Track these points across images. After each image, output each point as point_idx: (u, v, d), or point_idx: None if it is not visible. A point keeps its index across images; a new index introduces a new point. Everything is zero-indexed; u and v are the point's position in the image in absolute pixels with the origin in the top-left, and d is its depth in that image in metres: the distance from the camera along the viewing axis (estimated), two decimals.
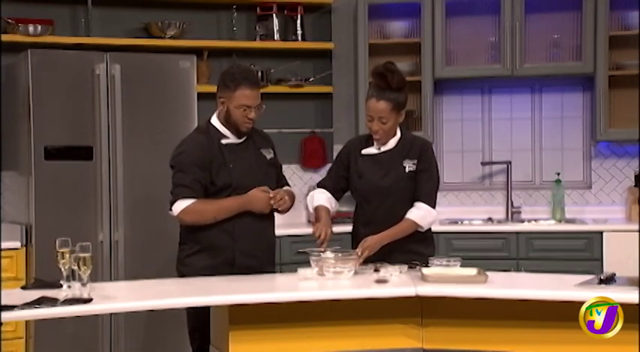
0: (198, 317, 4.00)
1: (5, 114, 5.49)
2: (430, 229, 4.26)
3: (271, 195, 4.04)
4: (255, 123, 4.14)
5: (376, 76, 4.11)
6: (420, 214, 4.12)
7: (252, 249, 4.05)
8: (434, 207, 4.16)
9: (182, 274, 4.09)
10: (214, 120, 4.12)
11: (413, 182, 4.15)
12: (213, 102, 5.98)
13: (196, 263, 4.04)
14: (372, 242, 4.02)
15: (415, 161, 4.16)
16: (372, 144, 4.22)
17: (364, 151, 4.22)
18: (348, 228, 4.34)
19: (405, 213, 4.13)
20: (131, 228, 5.41)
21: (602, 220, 6.07)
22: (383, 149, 4.20)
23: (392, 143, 4.19)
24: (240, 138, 4.09)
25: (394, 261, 3.95)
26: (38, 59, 5.25)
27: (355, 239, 4.25)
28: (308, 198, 4.33)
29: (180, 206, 3.97)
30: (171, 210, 4.01)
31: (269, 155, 4.19)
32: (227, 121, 4.05)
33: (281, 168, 4.33)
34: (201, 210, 3.98)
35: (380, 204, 4.16)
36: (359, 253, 3.97)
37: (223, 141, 4.06)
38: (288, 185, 4.35)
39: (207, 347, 4.00)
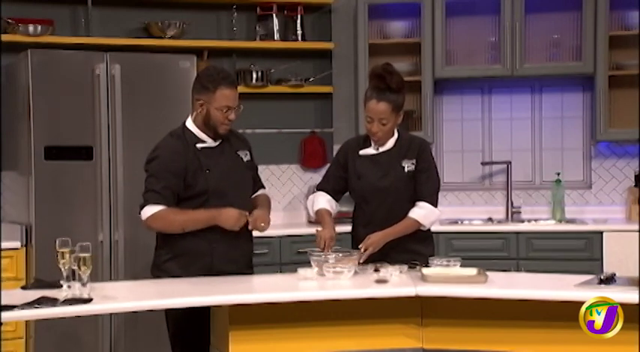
0: (179, 323, 3.97)
1: (5, 114, 5.50)
2: (430, 229, 4.27)
3: (249, 219, 3.99)
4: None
5: (375, 78, 4.11)
6: (422, 213, 4.13)
7: (230, 253, 4.01)
8: (436, 205, 4.17)
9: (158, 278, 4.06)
10: (189, 124, 4.05)
11: (412, 182, 4.16)
12: None
13: (173, 269, 4.00)
14: (376, 238, 4.03)
15: (414, 161, 4.16)
16: (370, 145, 4.22)
17: (362, 152, 4.22)
18: (348, 227, 4.34)
19: (404, 213, 4.13)
20: (131, 228, 5.40)
21: (602, 220, 6.07)
22: (381, 149, 4.20)
23: (390, 143, 4.20)
24: (216, 141, 4.04)
25: (394, 261, 3.95)
26: (38, 59, 5.25)
27: (355, 239, 4.25)
28: (308, 203, 4.31)
29: (148, 212, 3.94)
30: (140, 214, 3.98)
31: (246, 157, 4.13)
32: (205, 124, 3.99)
33: (257, 169, 4.27)
34: (170, 218, 3.93)
35: (379, 205, 4.16)
36: (362, 249, 3.97)
37: (199, 146, 4.00)
38: (264, 187, 4.32)
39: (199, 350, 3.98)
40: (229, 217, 3.91)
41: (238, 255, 4.06)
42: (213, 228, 3.95)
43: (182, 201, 3.98)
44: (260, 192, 4.27)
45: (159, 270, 4.06)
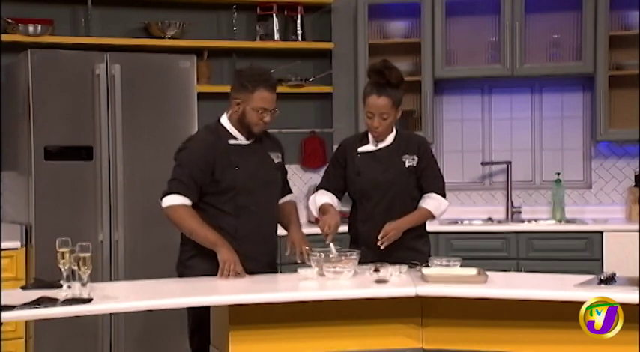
0: (199, 318, 4.00)
1: (5, 114, 5.49)
2: (425, 227, 4.28)
3: (288, 245, 4.08)
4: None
5: (374, 73, 4.12)
6: (434, 204, 4.20)
7: (254, 252, 4.02)
8: (445, 197, 4.23)
9: (183, 276, 4.08)
10: (224, 120, 4.08)
11: (412, 177, 4.19)
12: (212, 103, 6.01)
13: (198, 266, 4.01)
14: (396, 225, 4.07)
15: (414, 157, 4.18)
16: (368, 142, 4.23)
17: (361, 149, 4.24)
18: (345, 227, 4.33)
19: (404, 209, 4.17)
20: (131, 228, 5.41)
21: (602, 220, 6.07)
22: (380, 145, 4.22)
23: (389, 139, 4.22)
24: (249, 139, 4.07)
25: (393, 258, 3.97)
26: (38, 59, 5.25)
27: (354, 237, 4.25)
28: (310, 203, 4.30)
29: (170, 200, 3.95)
30: (161, 200, 3.99)
31: (277, 159, 4.16)
32: (240, 122, 4.01)
33: (286, 173, 4.30)
34: (184, 219, 3.94)
35: (380, 200, 4.18)
36: (381, 235, 4.01)
37: (231, 142, 4.03)
38: (291, 191, 4.34)
39: (206, 347, 3.99)
40: (227, 254, 3.89)
41: (260, 253, 4.06)
42: (239, 226, 3.99)
43: (210, 195, 4.00)
44: (288, 197, 4.29)
45: (183, 267, 4.09)
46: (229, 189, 3.99)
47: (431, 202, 4.20)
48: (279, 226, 4.22)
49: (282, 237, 4.23)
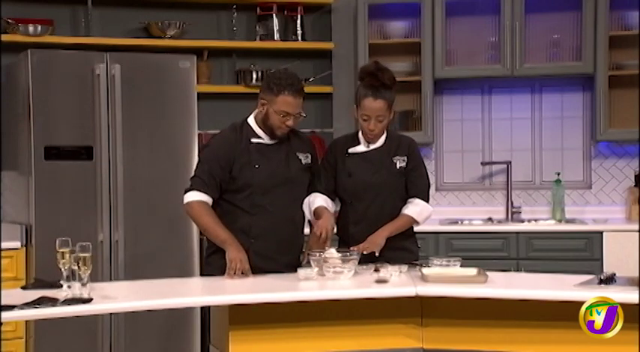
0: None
1: (5, 114, 5.50)
2: (412, 227, 4.27)
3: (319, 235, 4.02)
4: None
5: (368, 76, 4.11)
6: (417, 210, 4.16)
7: (269, 251, 4.02)
8: (428, 202, 4.21)
9: (206, 273, 4.09)
10: (250, 119, 4.10)
11: (403, 178, 4.18)
12: (212, 103, 6.03)
13: (215, 262, 4.02)
14: (376, 239, 4.04)
15: (405, 158, 4.18)
16: (359, 143, 4.22)
17: (351, 150, 4.22)
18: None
19: (396, 210, 4.16)
20: (131, 228, 5.41)
21: (602, 220, 6.07)
22: (372, 147, 4.20)
23: (380, 141, 4.21)
24: (273, 139, 4.06)
25: (382, 257, 3.97)
26: (38, 59, 5.25)
27: (345, 239, 4.22)
28: (304, 206, 4.25)
29: (190, 197, 3.99)
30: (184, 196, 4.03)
31: (305, 159, 4.15)
32: (264, 123, 4.03)
33: (318, 175, 4.24)
34: (201, 215, 3.97)
35: (372, 202, 4.16)
36: (360, 249, 3.96)
37: (253, 140, 4.04)
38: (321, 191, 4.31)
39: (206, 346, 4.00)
40: (235, 252, 3.90)
41: (275, 253, 4.05)
42: (254, 223, 4.00)
43: (228, 193, 4.02)
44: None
45: (206, 263, 4.13)
46: (246, 186, 4.00)
47: (413, 208, 4.16)
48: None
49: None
